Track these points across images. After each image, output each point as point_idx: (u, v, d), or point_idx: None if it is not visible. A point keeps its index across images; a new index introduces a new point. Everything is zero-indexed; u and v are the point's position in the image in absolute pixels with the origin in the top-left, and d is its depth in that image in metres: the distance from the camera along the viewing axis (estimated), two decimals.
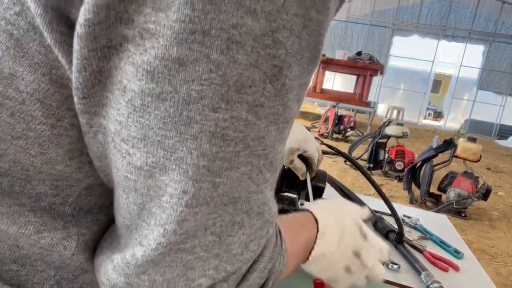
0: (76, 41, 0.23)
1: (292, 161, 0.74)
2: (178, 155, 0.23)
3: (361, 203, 0.96)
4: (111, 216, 0.33)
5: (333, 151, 0.92)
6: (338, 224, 0.45)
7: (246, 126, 0.24)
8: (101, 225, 0.34)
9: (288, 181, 0.80)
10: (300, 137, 0.73)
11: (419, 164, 3.55)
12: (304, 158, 0.76)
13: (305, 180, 0.79)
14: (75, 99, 0.25)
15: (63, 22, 0.24)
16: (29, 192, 0.30)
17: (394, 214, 0.82)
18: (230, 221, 0.27)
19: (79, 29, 0.23)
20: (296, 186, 0.80)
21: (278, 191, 0.80)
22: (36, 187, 0.29)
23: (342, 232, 0.45)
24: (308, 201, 0.77)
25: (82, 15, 0.22)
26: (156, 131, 0.23)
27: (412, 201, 3.39)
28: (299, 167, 0.76)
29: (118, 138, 0.24)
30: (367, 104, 7.16)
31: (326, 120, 6.29)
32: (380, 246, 0.49)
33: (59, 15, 0.24)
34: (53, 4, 0.24)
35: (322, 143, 0.89)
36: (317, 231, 0.43)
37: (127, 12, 0.22)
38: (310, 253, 0.43)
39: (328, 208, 0.48)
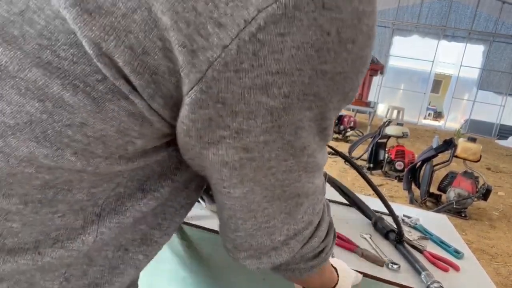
0: (183, 134, 0.32)
1: None
2: (262, 182, 0.36)
3: (362, 204, 0.96)
4: (134, 218, 0.39)
5: (332, 151, 0.92)
6: None
7: (306, 163, 0.37)
8: (122, 227, 0.38)
9: None
10: None
11: (419, 164, 3.55)
12: None
13: None
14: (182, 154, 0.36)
15: (163, 98, 0.31)
16: (68, 200, 0.34)
17: (392, 214, 0.82)
18: (295, 203, 0.39)
19: (190, 126, 0.31)
20: None
21: None
22: (75, 195, 0.34)
23: None
24: None
25: (191, 122, 0.31)
26: (249, 175, 0.35)
27: (412, 201, 3.39)
28: None
29: (220, 186, 0.36)
30: (367, 104, 7.17)
31: None
32: None
33: (164, 94, 0.31)
34: (142, 95, 0.30)
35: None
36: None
37: (224, 122, 0.31)
38: None
39: (345, 278, 0.61)
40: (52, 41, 0.29)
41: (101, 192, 0.36)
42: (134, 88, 0.30)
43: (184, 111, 0.30)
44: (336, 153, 0.91)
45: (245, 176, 0.35)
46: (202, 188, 0.46)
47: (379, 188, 0.84)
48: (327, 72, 0.30)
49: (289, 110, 0.31)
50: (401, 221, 0.89)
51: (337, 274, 0.58)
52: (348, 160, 0.94)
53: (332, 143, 4.08)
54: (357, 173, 0.87)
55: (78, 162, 0.32)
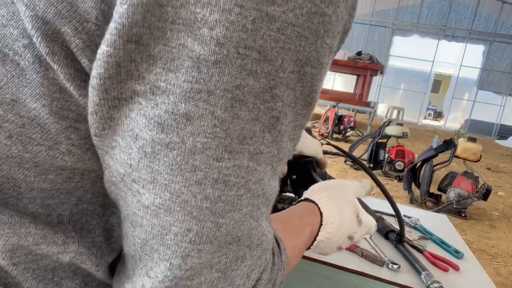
0: (89, 90, 0.25)
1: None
2: (183, 198, 0.25)
3: (362, 203, 0.96)
4: (109, 237, 0.34)
5: (332, 151, 0.92)
6: (339, 213, 0.50)
7: (247, 172, 0.27)
8: (99, 247, 0.34)
9: (292, 181, 0.80)
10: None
11: (419, 164, 3.55)
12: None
13: (307, 180, 0.79)
14: (91, 133, 0.27)
15: (78, 61, 0.26)
16: (23, 211, 0.29)
17: (397, 215, 0.82)
18: (234, 257, 0.28)
19: (92, 80, 0.25)
20: (298, 186, 0.80)
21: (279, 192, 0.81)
22: (27, 205, 0.29)
23: (341, 220, 0.50)
24: None
25: (95, 69, 0.24)
26: (164, 176, 0.25)
27: (412, 201, 3.39)
28: None
29: (129, 179, 0.26)
30: (367, 104, 7.16)
31: (326, 120, 6.29)
32: (370, 224, 0.55)
33: (73, 55, 0.26)
34: (69, 46, 0.25)
35: (328, 143, 0.89)
36: (321, 222, 0.48)
37: (138, 71, 0.24)
38: (312, 242, 0.47)
39: (330, 196, 0.52)
40: None
41: (60, 206, 0.31)
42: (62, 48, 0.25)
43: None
44: (344, 153, 0.91)
45: (158, 175, 0.25)
46: None
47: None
48: (275, 19, 0.23)
49: (223, 67, 0.23)
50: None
51: (321, 219, 0.48)
52: (356, 160, 0.94)
53: (332, 143, 4.06)
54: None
55: (13, 146, 0.27)
